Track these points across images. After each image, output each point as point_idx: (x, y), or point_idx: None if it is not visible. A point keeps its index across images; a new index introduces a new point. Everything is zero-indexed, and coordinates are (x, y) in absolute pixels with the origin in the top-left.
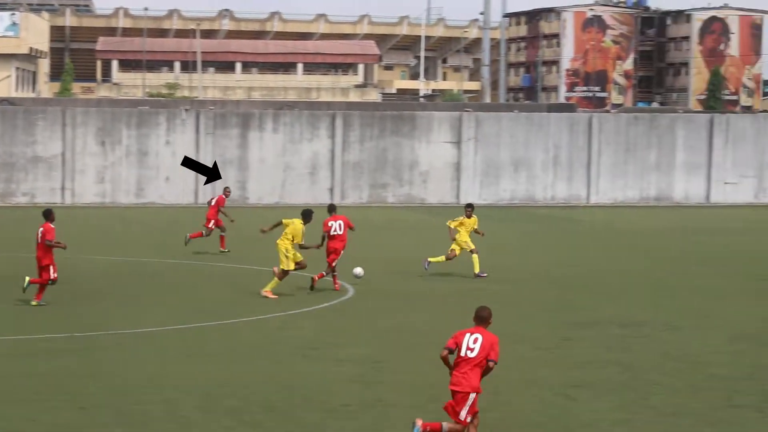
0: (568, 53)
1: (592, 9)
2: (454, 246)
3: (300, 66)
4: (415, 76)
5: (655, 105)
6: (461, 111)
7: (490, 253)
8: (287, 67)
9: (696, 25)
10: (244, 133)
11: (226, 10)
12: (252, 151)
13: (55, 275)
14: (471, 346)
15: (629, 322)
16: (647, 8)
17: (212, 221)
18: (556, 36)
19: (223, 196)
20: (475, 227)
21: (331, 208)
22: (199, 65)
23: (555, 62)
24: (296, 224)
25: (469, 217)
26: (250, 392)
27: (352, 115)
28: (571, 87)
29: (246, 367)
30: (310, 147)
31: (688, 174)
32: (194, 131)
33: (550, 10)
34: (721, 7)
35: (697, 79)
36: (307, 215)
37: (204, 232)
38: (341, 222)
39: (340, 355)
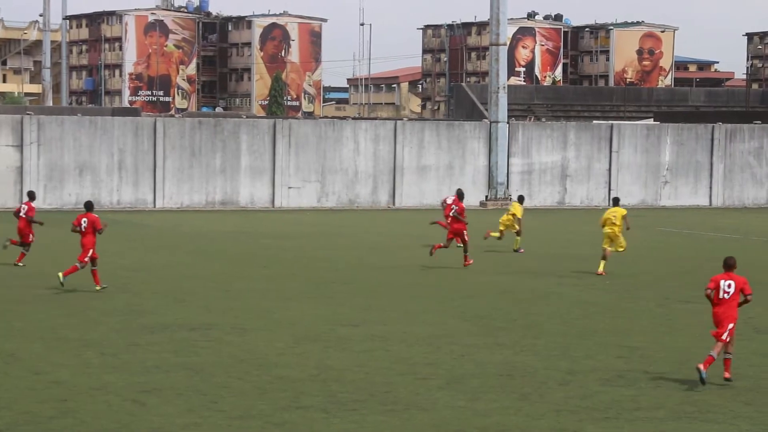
0: (131, 57)
1: (153, 13)
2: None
3: None
4: None
5: (219, 110)
6: (23, 114)
7: (51, 258)
8: None
9: (257, 31)
10: None
11: None
12: None
13: None
14: (726, 290)
15: (197, 325)
16: (209, 14)
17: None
18: (118, 40)
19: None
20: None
21: (461, 195)
22: None
23: (118, 66)
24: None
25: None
26: None
27: None
28: (134, 91)
29: None
30: None
31: (252, 179)
32: None
33: (111, 14)
34: (281, 14)
35: (260, 84)
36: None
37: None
38: (456, 207)
39: None
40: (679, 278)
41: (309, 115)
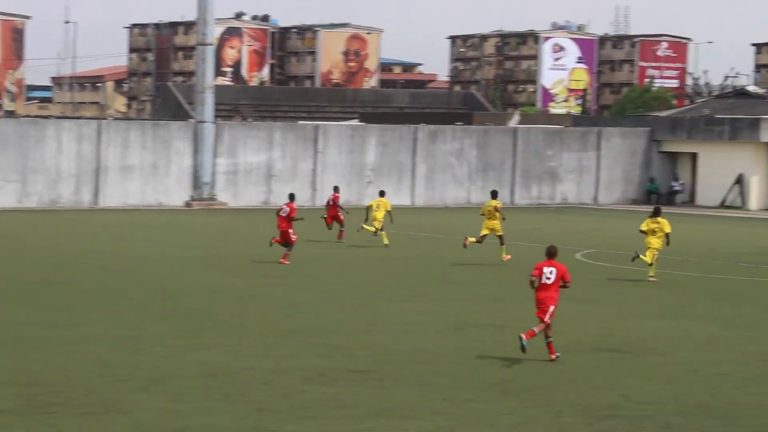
0: None
1: None
2: None
3: None
4: None
5: None
6: None
7: None
8: None
9: None
10: None
11: None
12: None
13: None
14: (548, 276)
15: None
16: None
17: None
18: None
19: None
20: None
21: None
22: None
23: None
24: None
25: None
26: None
27: None
28: None
29: None
30: None
31: None
32: None
33: None
34: None
35: None
36: None
37: None
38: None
39: None
40: (382, 277)
41: (11, 114)
